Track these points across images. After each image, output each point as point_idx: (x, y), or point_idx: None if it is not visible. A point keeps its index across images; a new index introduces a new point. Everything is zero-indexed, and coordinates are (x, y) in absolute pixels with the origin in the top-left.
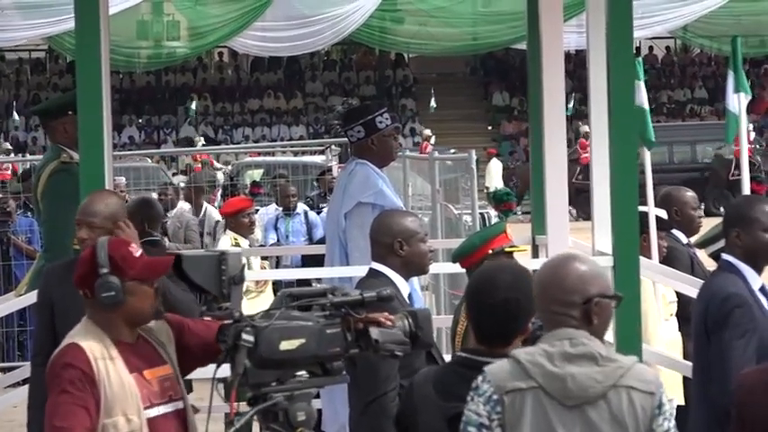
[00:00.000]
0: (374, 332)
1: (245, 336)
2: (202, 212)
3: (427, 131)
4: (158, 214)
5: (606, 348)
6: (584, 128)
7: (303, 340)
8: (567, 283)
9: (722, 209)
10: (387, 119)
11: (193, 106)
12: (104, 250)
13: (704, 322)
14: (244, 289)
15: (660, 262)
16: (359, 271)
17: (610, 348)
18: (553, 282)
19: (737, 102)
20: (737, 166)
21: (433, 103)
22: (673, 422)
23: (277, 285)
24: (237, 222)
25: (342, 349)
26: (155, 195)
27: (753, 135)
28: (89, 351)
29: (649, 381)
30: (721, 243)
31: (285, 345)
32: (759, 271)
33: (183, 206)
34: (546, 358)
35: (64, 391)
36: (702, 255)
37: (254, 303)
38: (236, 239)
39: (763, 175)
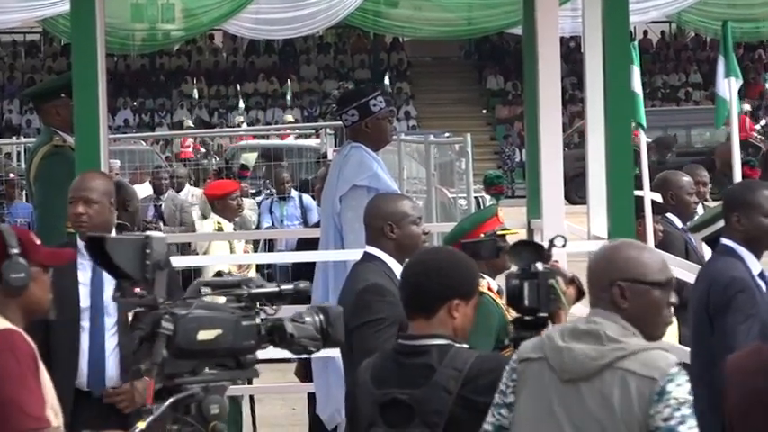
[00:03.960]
0: (289, 326)
1: (164, 323)
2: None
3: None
4: (130, 196)
5: (624, 333)
6: None
7: (220, 331)
8: (599, 266)
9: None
10: (381, 102)
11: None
12: (12, 233)
13: (705, 307)
14: (226, 271)
15: (655, 246)
16: (353, 254)
17: (630, 334)
18: (591, 264)
19: (728, 87)
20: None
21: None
22: (683, 412)
23: (264, 269)
24: (224, 205)
25: (255, 342)
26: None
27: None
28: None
29: (654, 367)
30: (715, 227)
31: (203, 335)
32: (758, 256)
33: (192, 190)
34: (559, 333)
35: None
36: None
37: None
38: (219, 223)
39: (756, 160)
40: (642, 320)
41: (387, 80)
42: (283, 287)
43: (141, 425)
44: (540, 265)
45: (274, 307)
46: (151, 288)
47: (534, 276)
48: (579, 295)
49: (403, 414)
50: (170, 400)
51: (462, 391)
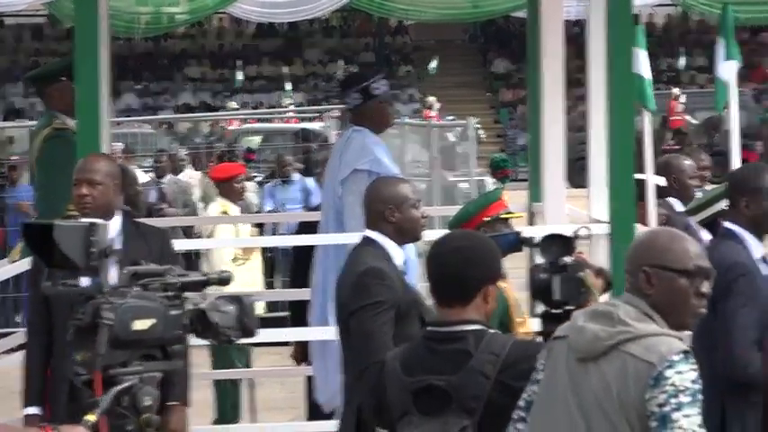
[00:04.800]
0: (213, 315)
1: (105, 313)
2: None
3: (431, 99)
4: (131, 180)
5: (640, 317)
6: (675, 90)
7: (154, 321)
8: (633, 251)
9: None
10: (383, 85)
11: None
12: None
13: None
14: (232, 256)
15: None
16: (353, 238)
17: (647, 319)
18: (628, 249)
19: (729, 70)
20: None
21: (433, 64)
22: (680, 399)
23: (267, 252)
24: (229, 188)
25: (182, 332)
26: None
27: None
28: None
29: (654, 351)
30: (713, 210)
31: (138, 324)
32: (761, 239)
33: (191, 173)
34: (583, 314)
35: None
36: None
37: (242, 271)
38: (225, 206)
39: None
40: (668, 308)
41: (433, 64)
42: (210, 275)
43: (91, 417)
44: (567, 258)
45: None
46: (96, 276)
47: (563, 270)
48: (607, 286)
49: (438, 401)
50: (113, 391)
51: (500, 376)
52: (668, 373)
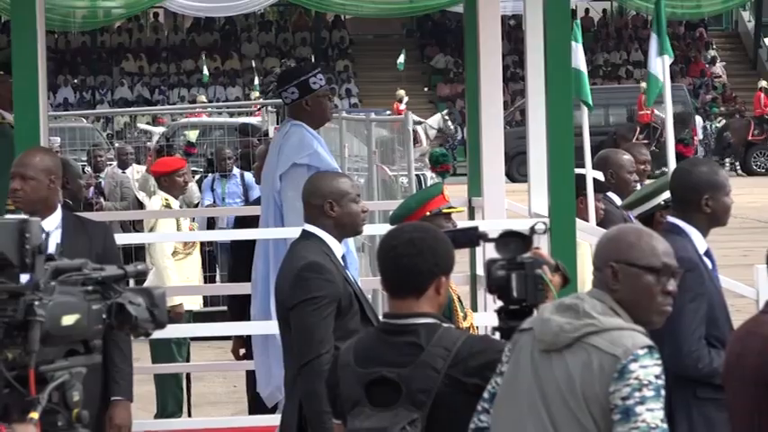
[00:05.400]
0: (131, 309)
1: (37, 309)
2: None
3: (401, 92)
4: (72, 175)
5: (605, 311)
6: (644, 84)
7: (79, 315)
8: (600, 246)
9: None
10: (320, 80)
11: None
12: None
13: None
14: (172, 250)
15: (597, 224)
16: (293, 233)
17: (612, 314)
18: (597, 244)
19: (661, 65)
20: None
21: (401, 59)
22: (644, 393)
23: (206, 247)
24: (170, 182)
25: (102, 326)
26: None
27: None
28: None
29: (620, 345)
30: (650, 204)
31: (66, 320)
32: (706, 234)
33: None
34: (549, 306)
35: None
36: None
37: (182, 265)
38: (166, 200)
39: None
40: (633, 304)
41: (401, 58)
42: (128, 269)
43: (35, 415)
44: (525, 255)
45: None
46: (32, 272)
47: (521, 267)
48: (565, 282)
49: (389, 393)
50: (49, 387)
51: (451, 371)
52: (632, 366)
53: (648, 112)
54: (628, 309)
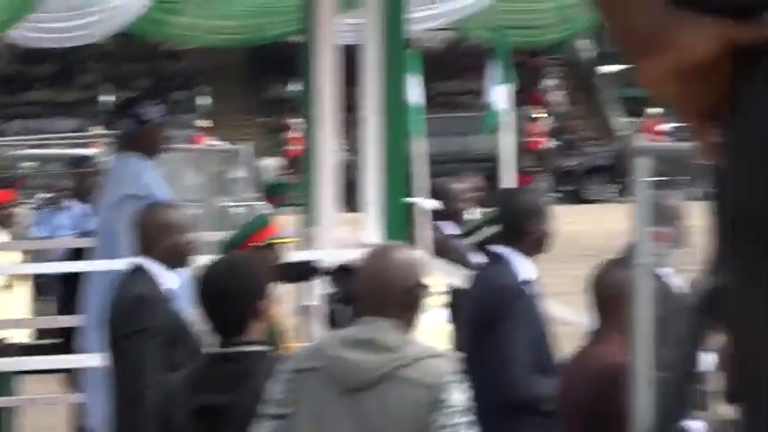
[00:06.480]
0: None
1: None
2: None
3: (202, 123)
4: None
5: (402, 340)
6: (535, 113)
7: None
8: (375, 274)
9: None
10: (156, 111)
11: None
12: None
13: (479, 313)
14: (1, 283)
15: (431, 253)
16: (123, 264)
17: (407, 341)
18: (364, 273)
19: (502, 93)
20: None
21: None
22: (458, 420)
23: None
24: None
25: None
26: None
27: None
28: None
29: (433, 375)
30: (484, 233)
31: None
32: (531, 260)
33: None
34: (336, 341)
35: None
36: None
37: (9, 299)
38: None
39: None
40: (411, 324)
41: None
42: None
43: None
44: None
45: None
46: None
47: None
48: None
49: (218, 420)
50: None
51: None
52: (445, 395)
53: (537, 139)
54: (408, 329)
